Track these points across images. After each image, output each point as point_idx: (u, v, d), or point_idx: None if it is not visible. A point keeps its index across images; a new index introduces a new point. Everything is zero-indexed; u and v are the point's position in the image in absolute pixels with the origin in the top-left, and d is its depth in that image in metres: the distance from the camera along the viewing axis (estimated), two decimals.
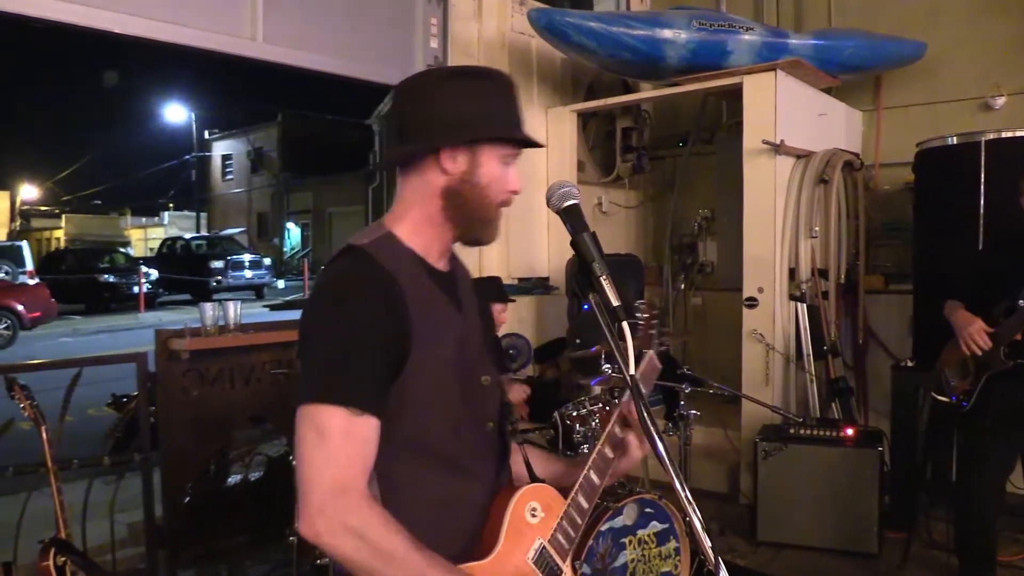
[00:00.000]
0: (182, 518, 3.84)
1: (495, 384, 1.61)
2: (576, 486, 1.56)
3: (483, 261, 5.58)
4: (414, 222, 1.52)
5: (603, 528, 2.99)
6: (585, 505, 1.57)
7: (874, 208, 5.67)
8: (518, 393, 3.93)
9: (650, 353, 1.75)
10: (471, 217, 1.51)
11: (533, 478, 1.62)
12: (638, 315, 1.76)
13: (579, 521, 1.56)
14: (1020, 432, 3.41)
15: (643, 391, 1.48)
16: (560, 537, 1.54)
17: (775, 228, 4.90)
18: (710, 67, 5.27)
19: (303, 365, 1.41)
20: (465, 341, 1.54)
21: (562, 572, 1.53)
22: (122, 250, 27.62)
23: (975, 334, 3.36)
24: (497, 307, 4.01)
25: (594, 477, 1.57)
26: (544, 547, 1.51)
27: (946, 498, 4.01)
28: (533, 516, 1.52)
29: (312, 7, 4.57)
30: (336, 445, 1.32)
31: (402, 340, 1.41)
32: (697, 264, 6.67)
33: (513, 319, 5.49)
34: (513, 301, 4.45)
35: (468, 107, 1.48)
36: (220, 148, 38.28)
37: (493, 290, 4.09)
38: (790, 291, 4.97)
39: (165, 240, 27.77)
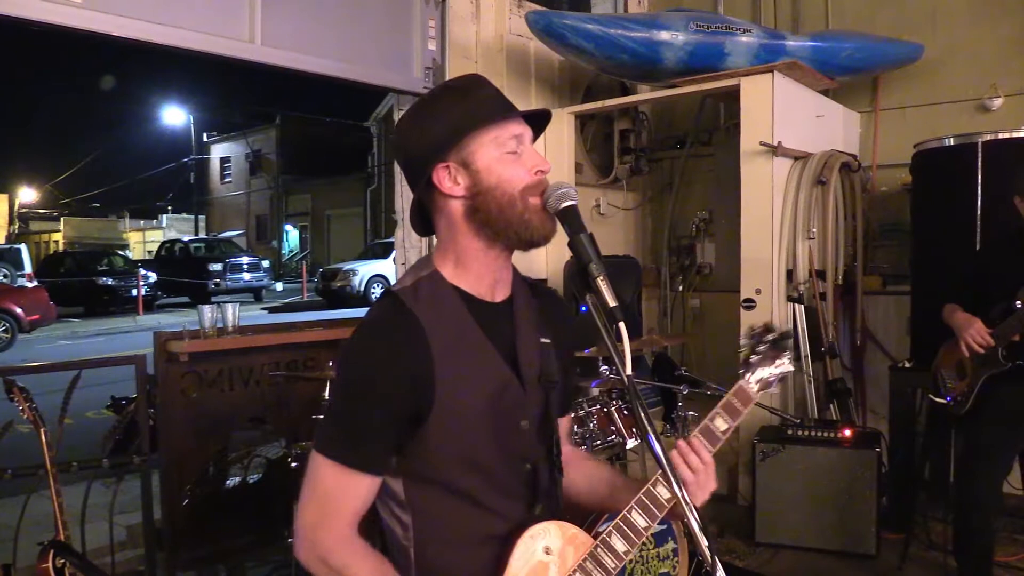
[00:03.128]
0: (181, 520, 3.84)
1: (537, 427, 1.54)
2: (611, 526, 1.47)
3: None
4: (456, 257, 1.50)
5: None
6: (621, 548, 1.46)
7: (871, 209, 5.68)
8: None
9: (742, 383, 1.69)
10: (503, 223, 1.44)
11: (556, 514, 1.56)
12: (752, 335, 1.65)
13: (611, 565, 1.45)
14: (1017, 433, 3.42)
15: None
16: None
17: (773, 229, 4.91)
18: (708, 69, 5.28)
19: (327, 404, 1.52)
20: (503, 387, 1.49)
21: None
22: (121, 253, 27.65)
23: (976, 334, 3.37)
24: None
25: (638, 519, 1.47)
26: None
27: (944, 499, 4.02)
28: (547, 554, 1.45)
29: (311, 10, 4.58)
30: (324, 492, 1.44)
31: (417, 399, 1.41)
32: (695, 265, 6.67)
33: None
34: None
35: (436, 125, 1.44)
36: (218, 151, 38.31)
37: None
38: (788, 292, 4.98)
39: (163, 243, 27.78)
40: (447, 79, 1.53)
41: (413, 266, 1.56)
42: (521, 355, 1.53)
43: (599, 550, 1.47)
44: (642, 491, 1.47)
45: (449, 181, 1.45)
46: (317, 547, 1.43)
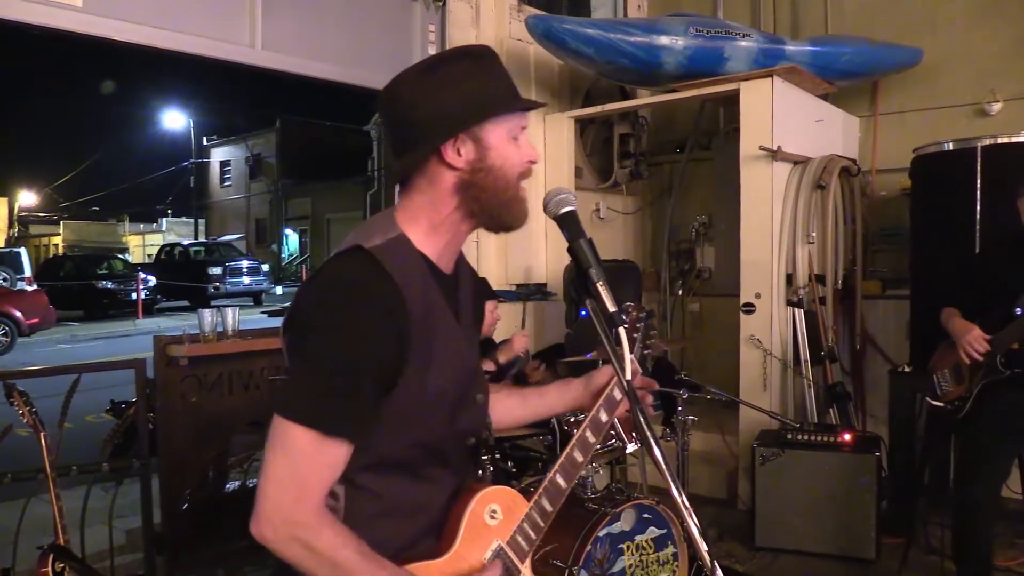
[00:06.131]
0: (180, 524, 3.84)
1: (487, 401, 1.60)
2: (540, 488, 1.55)
3: (482, 268, 5.58)
4: (430, 225, 1.46)
5: (601, 534, 2.99)
6: (549, 508, 1.55)
7: (871, 214, 5.68)
8: (522, 343, 3.99)
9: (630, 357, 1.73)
10: (493, 204, 1.44)
11: (497, 481, 1.64)
12: (624, 316, 1.72)
13: (541, 524, 1.55)
14: (1016, 438, 3.42)
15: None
16: (520, 539, 1.52)
17: (772, 234, 4.92)
18: (707, 73, 5.29)
19: (290, 368, 1.40)
20: (463, 358, 1.51)
21: (520, 573, 1.52)
22: (120, 256, 27.60)
23: (974, 341, 3.36)
24: (488, 305, 4.08)
25: (560, 480, 1.55)
26: (502, 548, 1.50)
27: (944, 503, 4.01)
28: (492, 518, 1.51)
29: (311, 14, 4.59)
30: (298, 463, 1.31)
31: (396, 361, 1.36)
32: (695, 270, 6.68)
33: (511, 325, 5.50)
34: (501, 300, 4.51)
35: (456, 94, 1.41)
36: (218, 154, 38.28)
37: (490, 290, 4.15)
38: (787, 297, 4.98)
39: (163, 246, 27.73)
40: (473, 45, 1.46)
41: (375, 225, 1.48)
42: (470, 329, 1.56)
43: (533, 511, 1.54)
44: (563, 455, 1.57)
45: (453, 152, 1.42)
46: (297, 527, 1.30)
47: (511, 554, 1.51)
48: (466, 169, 1.42)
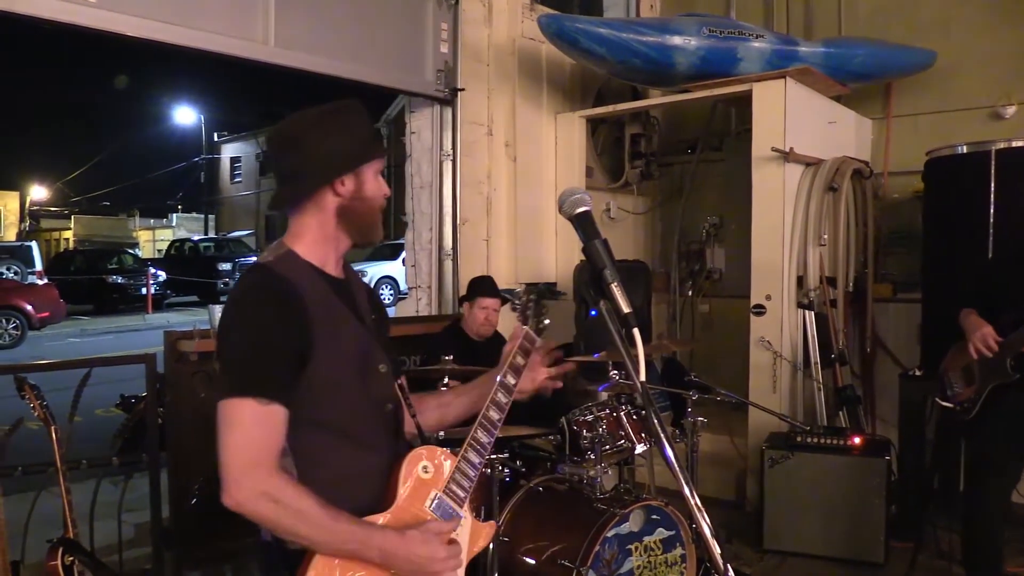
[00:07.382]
0: (189, 519, 3.85)
1: (391, 371, 1.87)
2: (465, 444, 1.80)
3: (491, 266, 5.58)
4: (312, 240, 1.80)
5: (609, 534, 2.99)
6: (476, 459, 1.81)
7: (883, 216, 5.66)
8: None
9: (525, 328, 1.97)
10: (363, 225, 1.82)
11: (424, 440, 1.91)
12: (515, 298, 2.02)
13: (471, 473, 1.81)
14: None
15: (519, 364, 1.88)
16: (455, 488, 1.79)
17: (783, 235, 4.90)
18: (720, 74, 5.27)
19: (220, 367, 1.66)
20: (360, 336, 1.81)
21: (461, 517, 1.80)
22: (130, 251, 27.65)
23: (985, 337, 3.35)
24: (490, 303, 4.09)
25: (481, 436, 1.81)
26: (440, 497, 1.77)
27: (954, 508, 3.99)
28: (426, 472, 1.77)
29: (324, 11, 4.59)
30: (249, 430, 1.58)
31: (303, 339, 1.66)
32: (705, 271, 6.66)
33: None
34: (507, 300, 4.50)
35: (345, 141, 1.78)
36: (229, 150, 38.33)
37: (486, 287, 4.16)
38: (798, 299, 4.96)
39: (173, 242, 27.83)
40: (346, 100, 1.87)
41: (268, 250, 1.83)
42: (363, 315, 1.87)
43: (462, 463, 1.80)
44: (481, 415, 1.83)
45: (339, 184, 1.78)
46: (263, 484, 1.55)
47: (449, 501, 1.78)
48: (346, 197, 1.78)
